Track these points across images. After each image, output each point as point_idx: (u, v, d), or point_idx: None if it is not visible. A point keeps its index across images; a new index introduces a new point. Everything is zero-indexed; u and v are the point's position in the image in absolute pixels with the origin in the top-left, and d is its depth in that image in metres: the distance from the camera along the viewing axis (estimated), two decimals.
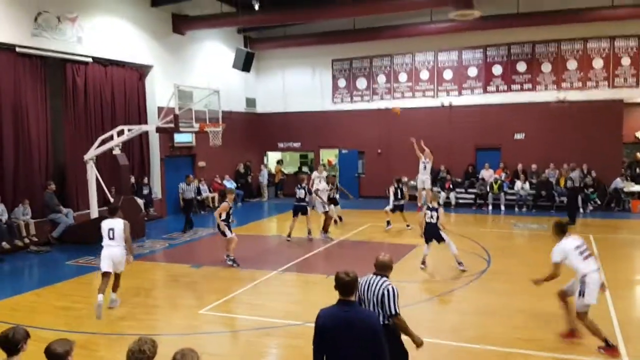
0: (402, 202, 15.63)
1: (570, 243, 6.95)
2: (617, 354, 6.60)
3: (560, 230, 7.15)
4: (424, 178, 17.81)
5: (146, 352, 3.78)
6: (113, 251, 8.75)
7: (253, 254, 12.61)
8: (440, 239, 11.02)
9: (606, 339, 6.69)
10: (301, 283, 10.53)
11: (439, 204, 11.65)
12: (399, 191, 15.61)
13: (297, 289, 10.33)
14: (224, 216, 11.40)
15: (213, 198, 20.17)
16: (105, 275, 8.67)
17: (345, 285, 4.15)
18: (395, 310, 4.91)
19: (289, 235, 14.08)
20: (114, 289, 8.92)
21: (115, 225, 8.84)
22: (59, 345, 3.97)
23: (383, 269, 5.11)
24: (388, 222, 15.41)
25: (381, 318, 4.85)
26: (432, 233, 11.05)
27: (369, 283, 5.02)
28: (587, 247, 7.04)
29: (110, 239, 8.78)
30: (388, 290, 4.92)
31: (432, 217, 11.01)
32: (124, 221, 8.97)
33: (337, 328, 4.07)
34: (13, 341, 4.09)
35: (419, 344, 5.17)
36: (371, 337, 4.09)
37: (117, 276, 8.95)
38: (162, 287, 10.60)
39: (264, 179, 23.47)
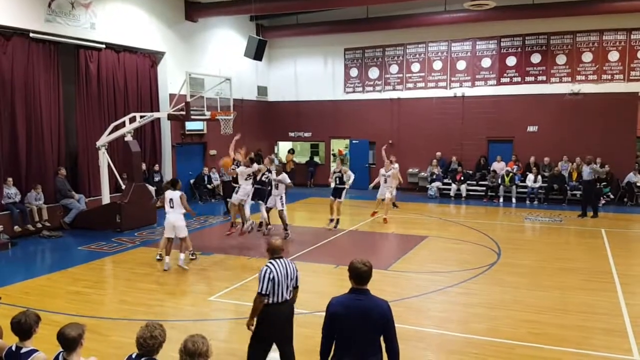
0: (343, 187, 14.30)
1: None
2: None
3: None
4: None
5: (158, 338, 3.80)
6: (173, 217, 10.31)
7: (262, 242, 12.64)
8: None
9: None
10: (310, 272, 10.53)
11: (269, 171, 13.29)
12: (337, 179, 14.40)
13: (306, 278, 10.29)
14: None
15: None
16: (168, 240, 10.42)
17: (362, 274, 4.16)
18: (299, 281, 5.61)
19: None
20: (182, 250, 10.47)
21: (174, 196, 10.36)
22: (72, 329, 4.00)
23: (280, 251, 5.50)
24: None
25: (288, 293, 5.40)
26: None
27: (282, 265, 5.37)
28: None
29: (170, 207, 10.33)
30: (296, 266, 5.58)
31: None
32: (181, 192, 10.50)
33: (351, 316, 4.08)
34: (26, 326, 4.13)
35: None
36: (384, 324, 4.12)
37: (182, 240, 10.48)
38: (172, 273, 10.65)
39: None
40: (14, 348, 4.13)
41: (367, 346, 4.13)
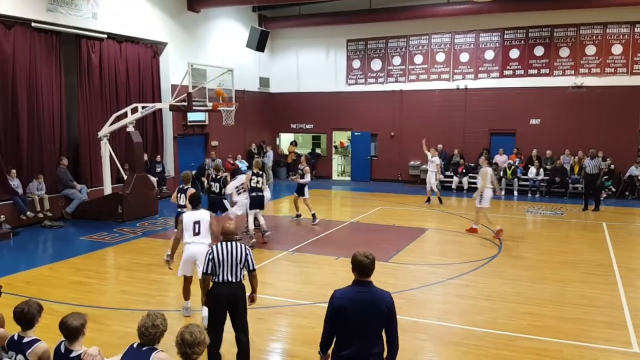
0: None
1: None
2: None
3: None
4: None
5: (159, 327, 3.83)
6: (197, 248, 7.21)
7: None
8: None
9: None
10: (311, 264, 10.57)
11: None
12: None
13: (307, 269, 10.37)
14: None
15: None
16: (187, 281, 7.56)
17: (365, 266, 4.16)
18: (254, 265, 5.80)
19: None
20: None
21: (202, 218, 7.39)
22: (74, 318, 4.02)
23: (232, 234, 5.80)
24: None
25: (241, 275, 5.69)
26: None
27: (227, 248, 5.65)
28: None
29: (195, 234, 7.33)
30: (249, 250, 5.77)
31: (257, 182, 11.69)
32: (210, 212, 7.74)
33: (357, 308, 4.08)
34: (29, 315, 4.16)
35: (255, 298, 6.00)
36: (388, 315, 4.14)
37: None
38: (173, 264, 10.68)
39: (268, 160, 22.77)
40: (16, 337, 4.16)
41: (372, 338, 4.14)
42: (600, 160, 16.53)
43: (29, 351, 4.05)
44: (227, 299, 5.66)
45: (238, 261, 5.65)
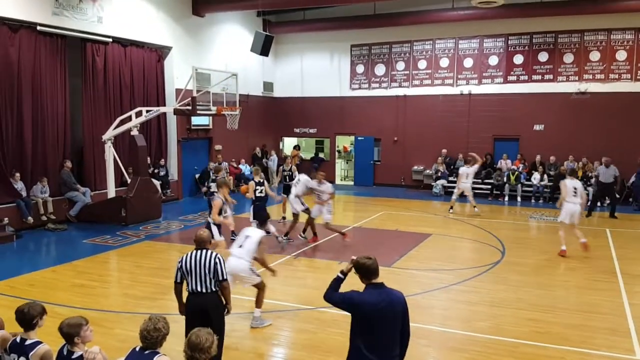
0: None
1: None
2: None
3: None
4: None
5: (162, 330, 3.84)
6: (236, 263, 7.09)
7: (267, 239, 12.66)
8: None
9: None
10: (313, 268, 10.57)
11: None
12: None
13: (310, 274, 10.37)
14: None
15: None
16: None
17: (370, 268, 4.16)
18: (224, 275, 5.54)
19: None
20: (259, 303, 7.44)
21: (252, 235, 7.37)
22: (70, 322, 4.07)
23: (204, 243, 5.64)
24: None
25: (212, 286, 5.50)
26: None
27: (196, 257, 5.52)
28: None
29: (240, 246, 7.27)
30: (219, 259, 5.53)
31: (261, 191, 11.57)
32: (262, 233, 7.63)
33: (376, 312, 4.04)
34: (28, 317, 4.18)
35: (230, 310, 5.78)
36: (404, 313, 4.17)
37: (257, 287, 7.40)
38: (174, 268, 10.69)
39: (273, 164, 22.84)
40: (18, 340, 4.17)
41: (393, 338, 4.12)
42: (615, 169, 16.37)
43: (31, 353, 4.06)
44: (198, 310, 5.50)
45: (207, 271, 5.46)
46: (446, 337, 7.17)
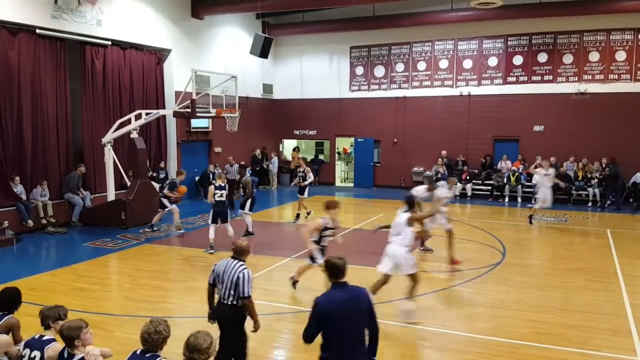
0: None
1: None
2: None
3: None
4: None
5: (162, 333, 3.84)
6: (392, 250, 7.47)
7: (267, 241, 12.66)
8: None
9: None
10: (314, 271, 10.52)
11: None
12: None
13: (309, 276, 10.33)
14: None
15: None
16: (386, 278, 7.68)
17: (340, 268, 4.33)
18: (248, 293, 5.26)
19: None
20: (412, 292, 7.66)
21: (398, 218, 7.50)
22: (68, 326, 4.18)
23: (240, 253, 5.42)
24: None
25: (232, 299, 5.26)
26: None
27: (227, 266, 5.34)
28: None
29: (396, 234, 7.46)
30: (243, 274, 5.24)
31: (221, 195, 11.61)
32: (410, 212, 7.70)
33: (344, 310, 4.20)
34: (42, 318, 4.53)
35: (257, 328, 5.47)
36: (369, 309, 4.32)
37: (411, 277, 7.57)
38: (176, 270, 10.69)
39: (274, 166, 23.08)
40: (37, 337, 4.42)
41: (359, 335, 4.26)
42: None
43: (46, 347, 4.29)
44: (222, 320, 5.37)
45: (230, 283, 5.24)
46: (447, 338, 7.15)
